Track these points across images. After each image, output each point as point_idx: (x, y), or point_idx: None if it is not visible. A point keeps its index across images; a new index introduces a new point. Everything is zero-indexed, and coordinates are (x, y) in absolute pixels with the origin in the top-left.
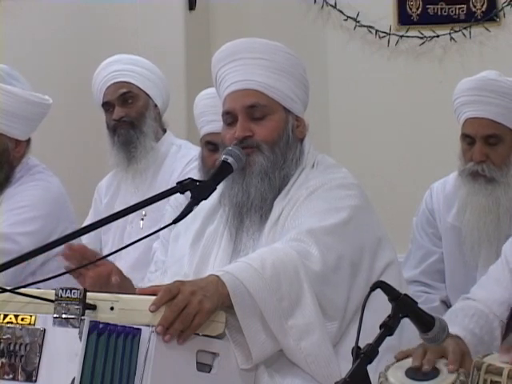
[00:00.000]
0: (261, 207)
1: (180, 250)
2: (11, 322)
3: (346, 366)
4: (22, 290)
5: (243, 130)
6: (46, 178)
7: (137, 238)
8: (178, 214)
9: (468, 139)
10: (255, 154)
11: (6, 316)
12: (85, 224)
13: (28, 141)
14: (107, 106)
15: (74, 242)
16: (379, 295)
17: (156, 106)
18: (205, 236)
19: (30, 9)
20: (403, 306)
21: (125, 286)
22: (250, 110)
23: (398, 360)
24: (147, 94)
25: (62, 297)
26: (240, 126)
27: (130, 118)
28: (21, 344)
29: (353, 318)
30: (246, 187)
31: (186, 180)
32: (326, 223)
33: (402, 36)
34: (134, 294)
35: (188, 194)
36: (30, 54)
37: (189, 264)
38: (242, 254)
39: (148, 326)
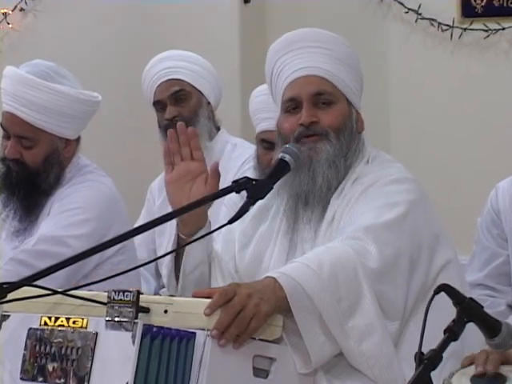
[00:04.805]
0: (326, 195)
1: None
2: (63, 325)
3: (405, 367)
4: (74, 292)
5: (309, 116)
6: (97, 179)
7: None
8: (232, 214)
9: None
10: (322, 142)
11: (57, 319)
12: (137, 224)
13: (78, 140)
14: (158, 104)
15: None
16: (438, 296)
17: (209, 103)
18: (255, 237)
19: (83, 8)
20: (468, 311)
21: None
22: (315, 97)
23: (463, 366)
24: (200, 92)
25: (114, 299)
26: (306, 112)
27: (183, 117)
28: (72, 348)
29: (410, 316)
30: (312, 174)
31: (241, 179)
32: (383, 219)
33: (465, 29)
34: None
35: (243, 193)
36: (84, 53)
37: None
38: (300, 248)
39: (203, 329)
